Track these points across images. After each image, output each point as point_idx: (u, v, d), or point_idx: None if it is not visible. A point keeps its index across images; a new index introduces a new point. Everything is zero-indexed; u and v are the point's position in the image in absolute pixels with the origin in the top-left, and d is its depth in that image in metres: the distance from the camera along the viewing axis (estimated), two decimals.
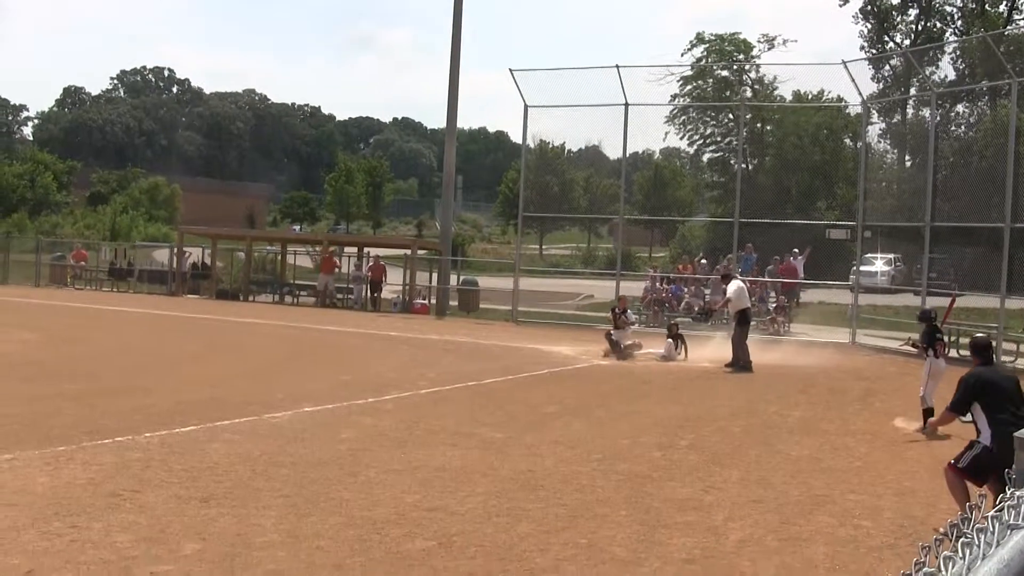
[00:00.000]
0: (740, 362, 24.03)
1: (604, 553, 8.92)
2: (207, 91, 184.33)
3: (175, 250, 48.50)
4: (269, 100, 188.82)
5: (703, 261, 39.74)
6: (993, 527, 1.89)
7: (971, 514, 2.08)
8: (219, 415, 14.72)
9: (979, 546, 1.74)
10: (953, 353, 26.07)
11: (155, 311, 35.46)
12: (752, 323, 26.37)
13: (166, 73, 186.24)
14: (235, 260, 49.30)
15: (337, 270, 43.17)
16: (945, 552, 1.71)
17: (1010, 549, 1.79)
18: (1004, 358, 26.14)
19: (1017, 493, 2.17)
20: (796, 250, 36.35)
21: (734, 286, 25.10)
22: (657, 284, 37.96)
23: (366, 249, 46.41)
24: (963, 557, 1.68)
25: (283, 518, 9.55)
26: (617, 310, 27.57)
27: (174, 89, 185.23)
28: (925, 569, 1.58)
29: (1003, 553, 1.76)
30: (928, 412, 15.83)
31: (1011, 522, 1.98)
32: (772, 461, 13.46)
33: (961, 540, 1.75)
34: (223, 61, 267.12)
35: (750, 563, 8.82)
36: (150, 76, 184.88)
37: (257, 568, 8.09)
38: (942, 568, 1.65)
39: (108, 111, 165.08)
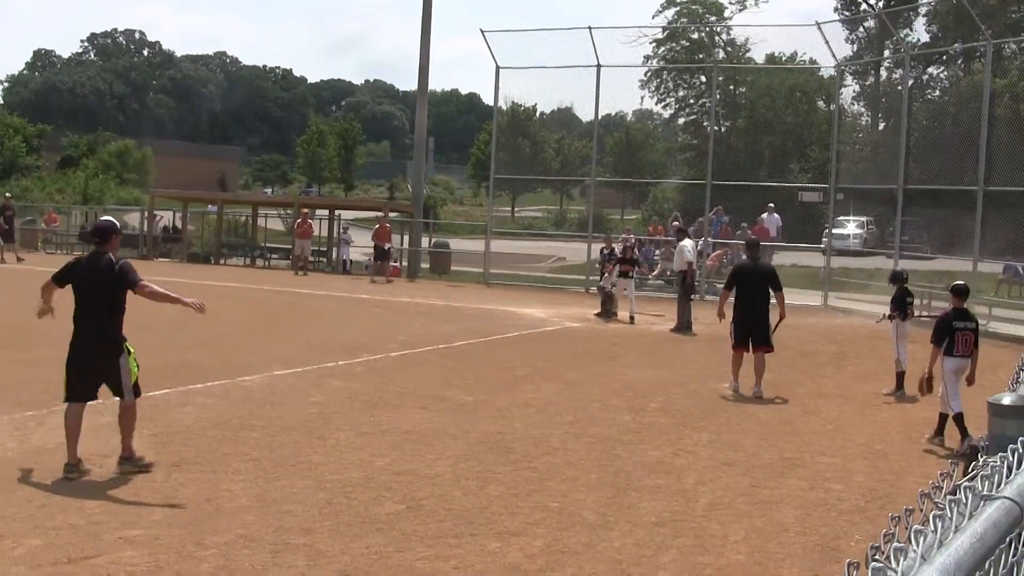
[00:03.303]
0: (684, 324, 23.85)
1: (574, 516, 8.91)
2: (178, 54, 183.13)
3: (146, 213, 48.15)
4: (240, 63, 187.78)
5: (675, 224, 39.66)
6: (966, 498, 1.84)
7: (942, 481, 2.03)
8: (190, 379, 14.65)
9: (951, 518, 1.70)
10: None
11: None
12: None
13: (137, 36, 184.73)
14: (206, 223, 48.94)
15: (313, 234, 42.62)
16: (916, 526, 1.66)
17: (983, 522, 1.74)
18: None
19: (990, 461, 2.12)
20: (771, 205, 36.30)
21: (688, 244, 25.09)
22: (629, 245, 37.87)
23: (338, 212, 46.07)
24: (935, 530, 1.63)
25: (252, 482, 9.51)
26: (605, 250, 27.49)
27: (145, 52, 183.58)
28: (895, 544, 1.53)
29: (976, 526, 1.71)
30: (901, 375, 15.87)
31: (984, 492, 1.93)
32: (743, 424, 13.48)
33: (933, 512, 1.70)
34: (194, 23, 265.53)
35: (720, 526, 8.82)
36: (121, 39, 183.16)
37: (226, 532, 8.05)
38: (912, 542, 1.60)
39: (79, 74, 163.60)
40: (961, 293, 13.09)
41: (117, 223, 10.97)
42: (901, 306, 16.36)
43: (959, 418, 12.31)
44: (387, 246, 37.70)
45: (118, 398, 9.97)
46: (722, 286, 18.51)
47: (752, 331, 15.97)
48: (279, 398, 13.68)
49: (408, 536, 8.17)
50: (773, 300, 16.52)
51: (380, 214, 40.16)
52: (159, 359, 16.63)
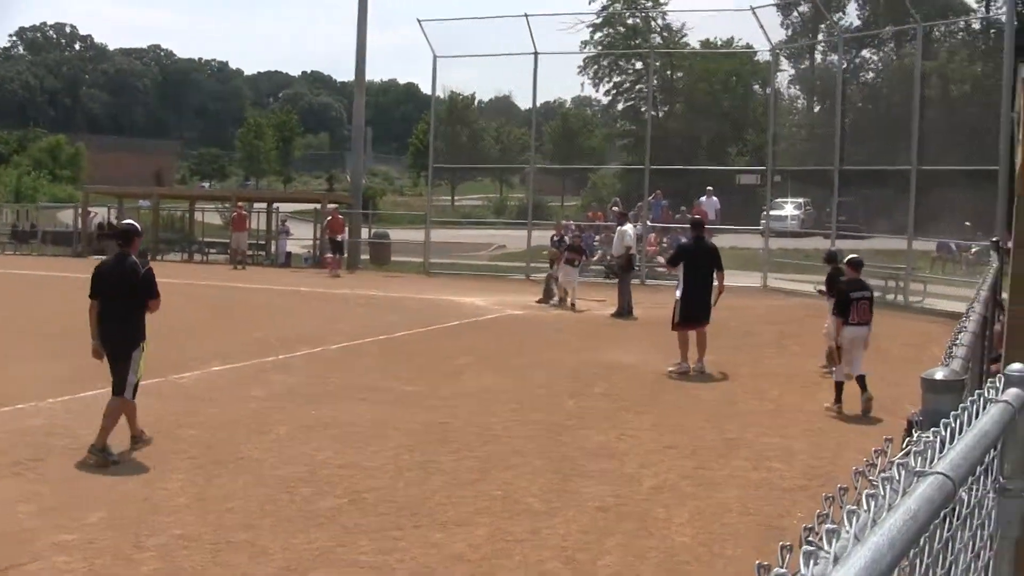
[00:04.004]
0: (625, 309, 23.86)
1: (518, 504, 8.87)
2: (111, 47, 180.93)
3: (80, 210, 47.54)
4: (176, 56, 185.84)
5: (615, 208, 39.70)
6: (899, 475, 1.80)
7: (876, 459, 1.99)
8: None
9: (884, 496, 1.66)
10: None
11: (60, 273, 34.71)
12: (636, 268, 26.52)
13: (68, 29, 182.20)
14: (142, 218, 48.36)
15: (249, 227, 42.21)
16: (849, 506, 1.62)
17: (916, 499, 1.71)
18: (912, 298, 26.48)
19: (923, 436, 2.09)
20: (710, 188, 36.42)
21: (629, 228, 25.20)
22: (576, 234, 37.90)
23: (275, 204, 45.72)
24: (868, 509, 1.59)
25: (191, 481, 9.40)
26: (555, 237, 27.47)
27: (77, 46, 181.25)
28: (828, 525, 1.48)
29: (909, 503, 1.67)
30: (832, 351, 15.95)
31: (918, 469, 1.89)
32: (686, 406, 13.52)
33: (866, 491, 1.66)
34: (127, 16, 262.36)
35: (663, 509, 8.82)
36: (51, 32, 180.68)
37: (164, 533, 7.94)
38: (846, 522, 1.56)
39: (7, 69, 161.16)
40: (857, 265, 13.94)
41: (138, 226, 11.90)
42: (835, 285, 16.43)
43: (861, 379, 13.20)
44: (339, 237, 37.34)
45: (114, 394, 10.43)
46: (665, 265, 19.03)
47: (700, 310, 16.43)
48: (217, 394, 13.54)
49: (351, 530, 8.10)
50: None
51: (333, 205, 39.67)
52: (90, 359, 16.43)
